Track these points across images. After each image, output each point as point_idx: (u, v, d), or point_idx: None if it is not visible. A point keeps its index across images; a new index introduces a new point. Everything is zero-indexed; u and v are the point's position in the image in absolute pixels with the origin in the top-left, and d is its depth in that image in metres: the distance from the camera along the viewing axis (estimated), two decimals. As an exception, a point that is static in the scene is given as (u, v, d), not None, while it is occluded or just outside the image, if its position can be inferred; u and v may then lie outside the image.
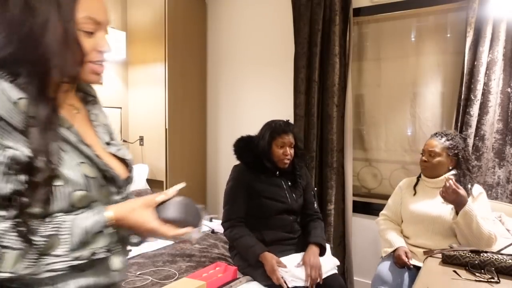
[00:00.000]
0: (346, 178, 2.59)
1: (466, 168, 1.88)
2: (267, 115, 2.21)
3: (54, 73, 0.71)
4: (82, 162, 0.76)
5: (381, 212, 2.15)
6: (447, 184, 1.65)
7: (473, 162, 2.09)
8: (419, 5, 2.42)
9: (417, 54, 2.55)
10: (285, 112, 2.70)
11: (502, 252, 1.52)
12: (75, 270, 0.72)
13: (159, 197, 0.81)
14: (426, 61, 2.52)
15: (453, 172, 1.89)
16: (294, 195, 2.02)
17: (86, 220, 0.72)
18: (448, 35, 2.45)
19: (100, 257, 0.74)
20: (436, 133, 1.95)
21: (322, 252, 1.92)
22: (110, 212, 0.75)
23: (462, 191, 1.64)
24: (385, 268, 1.89)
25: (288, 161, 1.97)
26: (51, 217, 0.70)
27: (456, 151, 1.88)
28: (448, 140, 1.89)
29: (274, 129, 1.99)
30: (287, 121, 2.06)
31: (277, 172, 2.01)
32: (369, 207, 2.66)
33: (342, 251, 2.62)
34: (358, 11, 2.59)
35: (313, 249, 1.89)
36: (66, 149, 0.74)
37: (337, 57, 2.52)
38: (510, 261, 1.34)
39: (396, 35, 2.60)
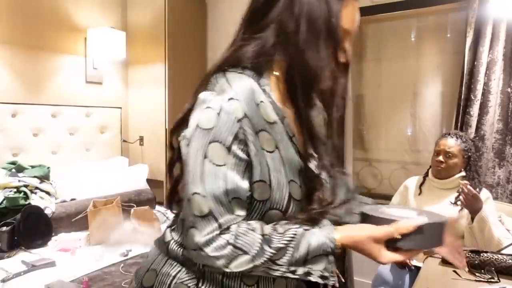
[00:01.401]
0: (346, 178, 2.59)
1: (475, 171, 1.86)
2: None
3: (316, 83, 0.71)
4: (292, 181, 0.72)
5: None
6: (466, 190, 1.60)
7: (483, 165, 2.07)
8: (419, 5, 2.42)
9: (417, 54, 2.55)
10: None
11: (502, 252, 1.52)
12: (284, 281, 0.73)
13: (394, 232, 0.70)
14: (426, 61, 2.52)
15: (462, 174, 1.86)
16: None
17: (313, 238, 0.69)
18: (448, 35, 2.45)
19: (312, 281, 0.68)
20: (450, 133, 1.90)
21: None
22: (338, 236, 0.71)
23: (479, 196, 1.62)
24: (385, 268, 1.88)
25: None
26: (284, 228, 0.68)
27: (469, 154, 1.85)
28: (463, 142, 1.85)
29: None
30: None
31: None
32: (369, 207, 2.65)
33: (342, 251, 2.61)
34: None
35: None
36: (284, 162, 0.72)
37: (337, 57, 2.52)
38: (510, 261, 1.34)
39: (396, 35, 2.60)
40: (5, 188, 1.93)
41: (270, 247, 0.66)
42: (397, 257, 0.71)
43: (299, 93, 0.71)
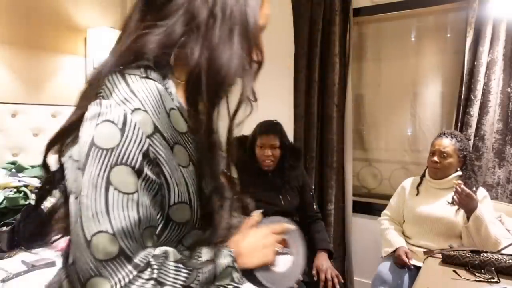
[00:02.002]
0: (346, 178, 2.59)
1: (471, 170, 1.87)
2: (266, 115, 2.20)
3: (225, 84, 0.60)
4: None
5: (383, 211, 2.14)
6: (459, 190, 1.61)
7: (483, 165, 2.08)
8: (419, 5, 2.42)
9: (417, 54, 2.55)
10: (285, 112, 2.70)
11: (502, 252, 1.52)
12: None
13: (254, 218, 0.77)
14: (426, 61, 2.52)
15: (459, 173, 1.87)
16: (288, 196, 2.00)
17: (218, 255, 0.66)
18: (448, 35, 2.45)
19: None
20: (444, 133, 1.92)
21: (330, 256, 1.95)
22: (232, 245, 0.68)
23: (474, 195, 1.63)
24: (385, 268, 1.89)
25: (269, 162, 1.95)
26: (192, 251, 0.63)
27: (465, 153, 1.86)
28: (458, 141, 1.86)
29: (257, 129, 1.99)
30: (274, 121, 2.04)
31: (270, 174, 2.00)
32: (369, 207, 2.66)
33: (342, 251, 2.62)
34: (358, 11, 2.59)
35: (323, 255, 1.91)
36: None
37: (337, 57, 2.52)
38: (510, 261, 1.34)
39: (396, 35, 2.60)
40: (5, 188, 1.93)
41: (185, 269, 0.59)
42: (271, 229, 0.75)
43: (204, 95, 0.59)
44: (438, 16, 2.47)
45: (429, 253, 1.59)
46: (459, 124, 2.19)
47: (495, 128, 2.12)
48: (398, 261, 1.84)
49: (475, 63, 2.11)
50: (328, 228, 2.54)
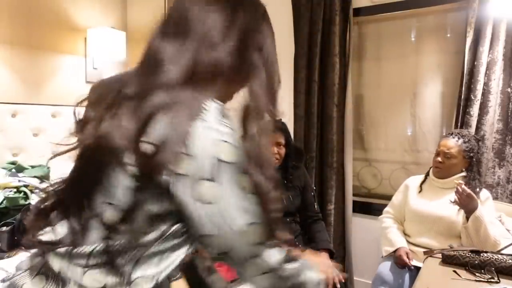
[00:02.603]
0: (346, 178, 2.59)
1: (476, 171, 1.86)
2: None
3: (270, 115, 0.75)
4: None
5: (385, 209, 2.14)
6: (460, 190, 1.61)
7: (483, 165, 2.08)
8: (419, 5, 2.42)
9: (417, 54, 2.55)
10: (285, 112, 2.69)
11: (502, 252, 1.52)
12: None
13: None
14: (426, 61, 2.52)
15: (463, 174, 1.87)
16: (290, 196, 2.00)
17: None
18: (448, 35, 2.45)
19: None
20: (452, 133, 1.91)
21: (331, 256, 1.95)
22: None
23: (475, 196, 1.62)
24: (385, 268, 1.89)
25: (274, 160, 1.95)
26: None
27: (471, 154, 1.85)
28: (465, 142, 1.85)
29: None
30: (279, 120, 2.05)
31: None
32: (369, 207, 2.66)
33: (342, 251, 2.62)
34: (358, 11, 2.59)
35: (324, 255, 1.91)
36: None
37: (337, 57, 2.52)
38: (510, 261, 1.34)
39: (396, 35, 2.60)
40: (5, 188, 1.93)
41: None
42: None
43: (252, 121, 0.74)
44: (438, 16, 2.47)
45: (429, 253, 1.59)
46: (459, 124, 2.19)
47: (495, 128, 2.12)
48: (398, 261, 1.84)
49: (475, 63, 2.11)
50: (328, 228, 2.54)
